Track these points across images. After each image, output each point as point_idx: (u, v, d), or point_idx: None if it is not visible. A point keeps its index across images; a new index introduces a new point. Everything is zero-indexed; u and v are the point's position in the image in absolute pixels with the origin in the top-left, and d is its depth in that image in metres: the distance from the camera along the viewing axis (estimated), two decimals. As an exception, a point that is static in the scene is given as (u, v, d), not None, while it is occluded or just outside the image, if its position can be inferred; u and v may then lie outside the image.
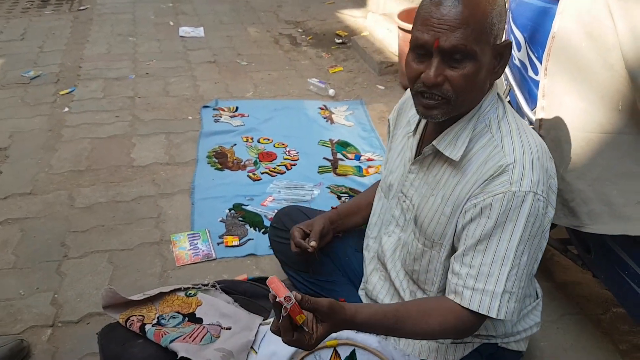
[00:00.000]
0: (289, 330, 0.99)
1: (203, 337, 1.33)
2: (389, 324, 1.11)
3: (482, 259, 1.13)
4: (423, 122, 1.33)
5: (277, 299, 0.95)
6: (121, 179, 2.62)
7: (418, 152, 1.33)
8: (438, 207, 1.23)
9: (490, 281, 1.12)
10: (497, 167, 1.14)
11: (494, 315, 1.12)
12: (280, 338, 1.02)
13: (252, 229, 2.30)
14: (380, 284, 1.46)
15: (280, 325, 0.99)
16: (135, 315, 1.42)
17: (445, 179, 1.23)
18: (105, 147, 2.88)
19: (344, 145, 2.98)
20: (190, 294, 1.50)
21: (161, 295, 1.50)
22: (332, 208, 1.62)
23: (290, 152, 2.90)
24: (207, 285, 1.54)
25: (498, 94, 1.23)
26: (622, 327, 1.85)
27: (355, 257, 1.63)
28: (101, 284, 1.96)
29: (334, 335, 1.08)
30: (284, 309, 0.95)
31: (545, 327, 1.72)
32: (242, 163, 2.78)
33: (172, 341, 1.30)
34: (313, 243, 1.47)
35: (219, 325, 1.39)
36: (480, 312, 1.13)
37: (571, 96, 1.48)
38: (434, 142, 1.23)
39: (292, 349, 1.26)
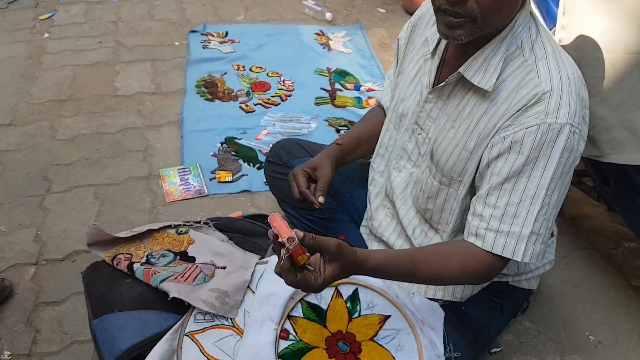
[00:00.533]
0: (291, 272, 0.91)
1: (196, 277, 1.26)
2: (404, 268, 1.04)
3: (509, 198, 1.04)
4: (444, 42, 1.18)
5: (279, 239, 0.87)
6: (105, 109, 2.48)
7: (437, 78, 1.19)
8: (459, 141, 1.12)
9: (517, 222, 1.04)
10: (531, 95, 1.02)
11: (519, 259, 1.05)
12: (282, 280, 0.93)
13: (245, 164, 2.19)
14: (387, 222, 1.37)
15: (281, 267, 0.91)
16: (122, 254, 1.35)
17: (469, 109, 1.11)
18: (87, 75, 2.72)
19: (342, 74, 2.82)
20: (181, 231, 1.43)
21: (150, 232, 1.43)
22: (337, 144, 1.47)
23: (285, 81, 2.74)
24: (199, 222, 1.45)
25: (531, 12, 1.08)
26: (635, 262, 1.80)
27: (357, 192, 1.54)
28: (87, 220, 1.87)
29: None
30: (286, 250, 0.88)
31: (554, 262, 1.66)
32: (234, 93, 2.62)
33: (162, 281, 1.23)
34: (321, 199, 1.30)
35: (213, 265, 1.32)
36: (504, 255, 1.05)
37: (594, 13, 1.38)
38: (460, 70, 1.09)
39: (292, 289, 1.19)
